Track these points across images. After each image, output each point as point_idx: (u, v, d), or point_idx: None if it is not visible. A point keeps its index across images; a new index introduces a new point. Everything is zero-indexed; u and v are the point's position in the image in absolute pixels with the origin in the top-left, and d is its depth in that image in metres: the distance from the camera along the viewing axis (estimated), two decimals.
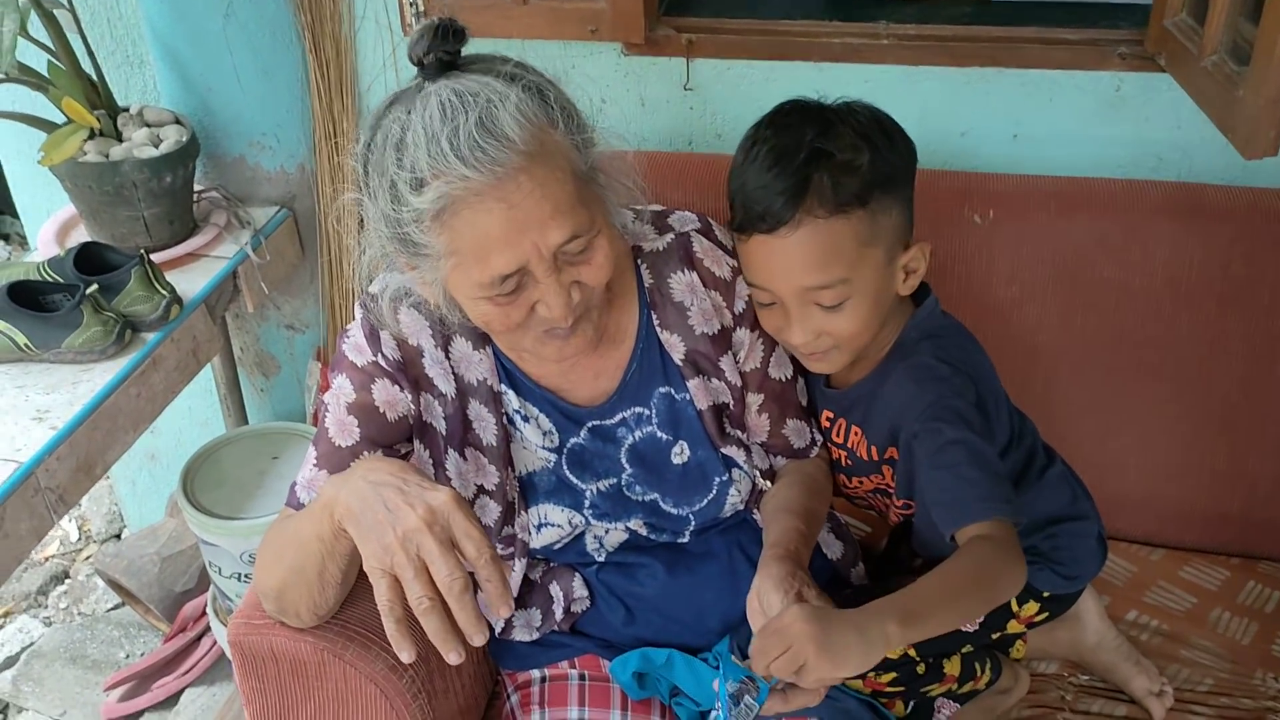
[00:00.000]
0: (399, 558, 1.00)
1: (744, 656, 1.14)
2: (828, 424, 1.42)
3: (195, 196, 1.89)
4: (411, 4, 1.79)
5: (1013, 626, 1.42)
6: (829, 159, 1.19)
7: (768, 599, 1.15)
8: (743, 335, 1.32)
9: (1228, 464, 1.65)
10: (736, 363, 1.33)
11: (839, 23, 1.76)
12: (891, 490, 1.37)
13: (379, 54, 1.91)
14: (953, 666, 1.41)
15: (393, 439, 1.25)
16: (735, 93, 1.83)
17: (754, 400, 1.36)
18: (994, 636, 1.43)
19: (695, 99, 1.85)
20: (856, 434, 1.37)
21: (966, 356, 1.30)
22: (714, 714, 1.16)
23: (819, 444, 1.42)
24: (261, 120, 1.93)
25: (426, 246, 1.08)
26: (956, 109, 1.75)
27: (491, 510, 1.31)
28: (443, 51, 1.07)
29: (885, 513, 1.45)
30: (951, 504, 1.15)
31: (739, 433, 1.36)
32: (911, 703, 1.41)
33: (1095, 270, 1.61)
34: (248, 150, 1.95)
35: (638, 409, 1.31)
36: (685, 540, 1.38)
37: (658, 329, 1.29)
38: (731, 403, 1.33)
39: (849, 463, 1.41)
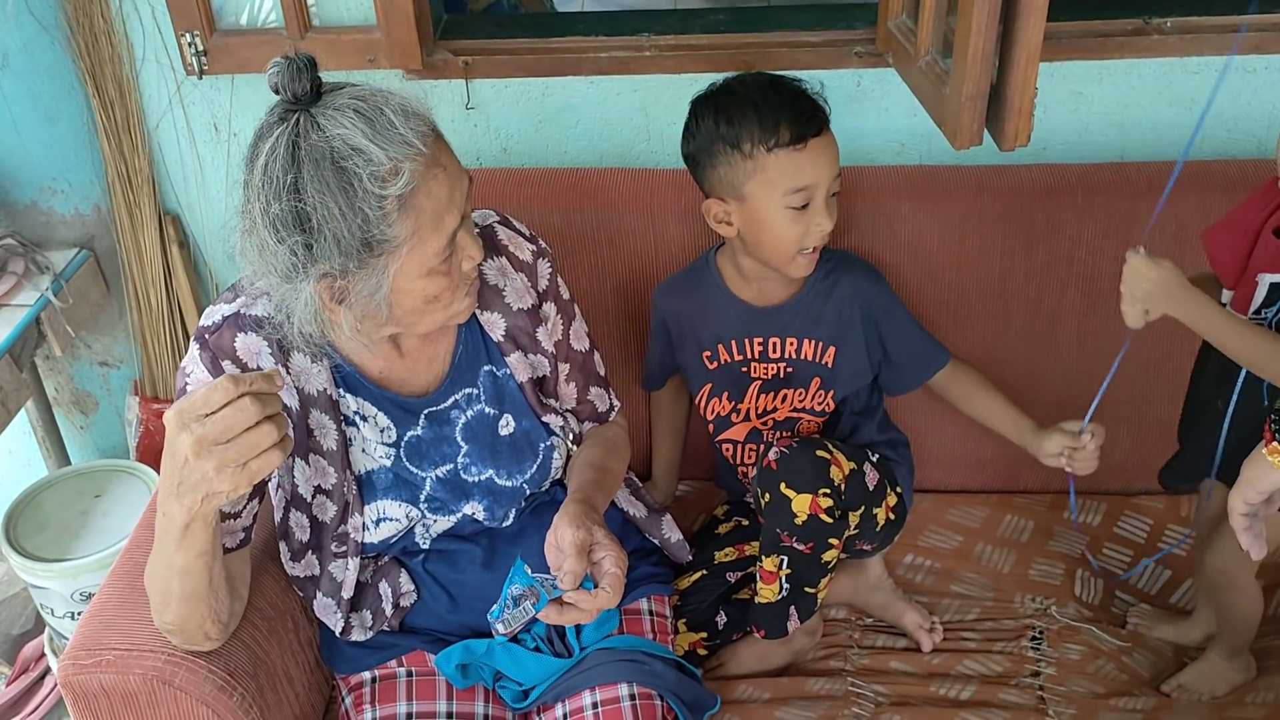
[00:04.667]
0: (198, 441, 1.06)
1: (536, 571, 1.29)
2: (760, 347, 1.66)
3: None
4: (190, 44, 1.83)
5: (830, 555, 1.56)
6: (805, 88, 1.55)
7: (561, 532, 1.29)
8: (548, 309, 1.47)
9: None
10: (549, 333, 1.47)
11: (605, 38, 1.88)
12: (812, 407, 1.69)
13: (163, 92, 1.94)
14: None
15: None
16: (515, 109, 1.93)
17: (563, 369, 1.51)
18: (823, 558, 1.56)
19: (478, 117, 1.94)
20: (794, 343, 1.65)
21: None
22: (493, 608, 1.29)
23: (617, 409, 1.60)
24: (50, 165, 1.94)
25: (391, 240, 1.18)
26: None
27: (329, 509, 1.41)
28: (314, 77, 1.17)
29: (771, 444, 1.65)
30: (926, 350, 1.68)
31: (554, 401, 1.51)
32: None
33: (849, 248, 1.77)
34: (39, 195, 1.97)
35: (467, 389, 1.44)
36: (508, 524, 1.50)
37: (477, 312, 1.41)
38: (548, 373, 1.48)
39: (789, 372, 1.67)
